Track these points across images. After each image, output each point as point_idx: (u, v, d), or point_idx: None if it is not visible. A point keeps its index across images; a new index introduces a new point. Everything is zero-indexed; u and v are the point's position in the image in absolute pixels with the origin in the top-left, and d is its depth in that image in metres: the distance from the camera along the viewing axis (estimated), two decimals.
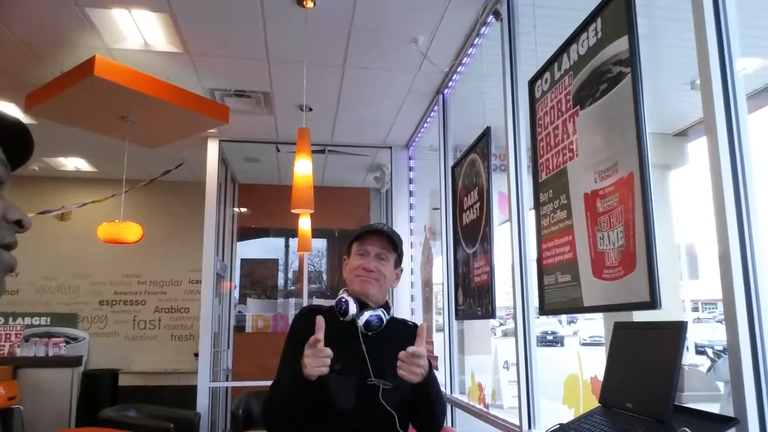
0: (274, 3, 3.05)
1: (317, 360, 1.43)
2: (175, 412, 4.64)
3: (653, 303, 1.57)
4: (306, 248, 4.61)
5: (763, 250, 1.36)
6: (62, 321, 6.75)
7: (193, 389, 5.13)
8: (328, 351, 1.43)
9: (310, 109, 4.69)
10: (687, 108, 4.57)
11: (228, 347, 6.49)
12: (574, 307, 2.06)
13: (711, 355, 5.03)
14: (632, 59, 1.72)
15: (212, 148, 5.29)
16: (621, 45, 1.78)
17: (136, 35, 3.36)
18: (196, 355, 6.73)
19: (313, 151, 5.65)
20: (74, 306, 6.87)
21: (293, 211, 3.02)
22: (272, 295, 7.45)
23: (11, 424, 5.22)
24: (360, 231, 1.75)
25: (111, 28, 3.28)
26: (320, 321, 1.46)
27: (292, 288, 7.53)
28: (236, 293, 7.06)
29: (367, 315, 1.63)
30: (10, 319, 6.61)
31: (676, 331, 1.19)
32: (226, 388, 6.10)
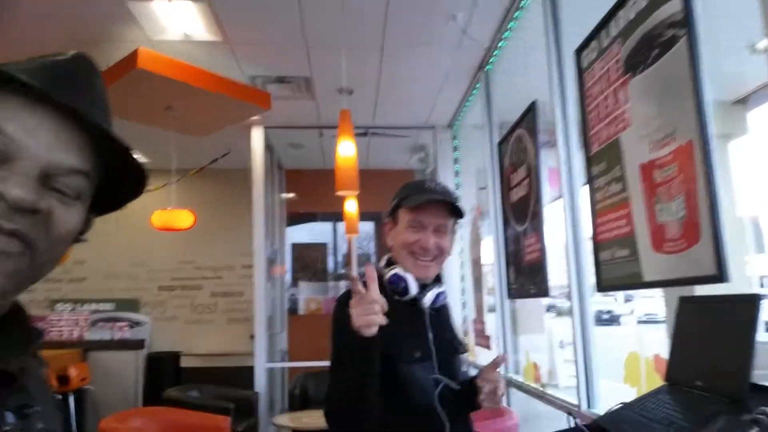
0: None
1: (365, 307, 1.13)
2: (235, 392, 4.80)
3: (721, 276, 1.49)
4: (353, 231, 4.64)
5: None
6: (125, 306, 7.04)
7: (249, 370, 5.29)
8: (377, 297, 1.15)
9: (351, 92, 4.66)
10: (746, 73, 4.30)
11: (282, 329, 6.64)
12: (633, 282, 1.98)
13: None
14: (687, 19, 1.62)
15: (257, 135, 5.35)
16: (674, 5, 1.67)
17: (177, 26, 3.41)
18: (252, 337, 6.96)
19: (356, 134, 5.67)
20: (135, 292, 7.15)
21: (338, 193, 3.03)
22: (323, 278, 7.56)
23: (85, 404, 5.53)
24: (412, 195, 1.45)
25: (152, 20, 3.34)
26: (371, 271, 1.18)
27: (342, 271, 7.61)
28: (288, 277, 7.18)
29: (432, 294, 1.43)
30: (78, 305, 6.95)
31: (750, 304, 1.12)
32: (282, 368, 6.25)
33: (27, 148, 0.53)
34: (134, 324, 6.86)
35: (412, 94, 4.71)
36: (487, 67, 4.02)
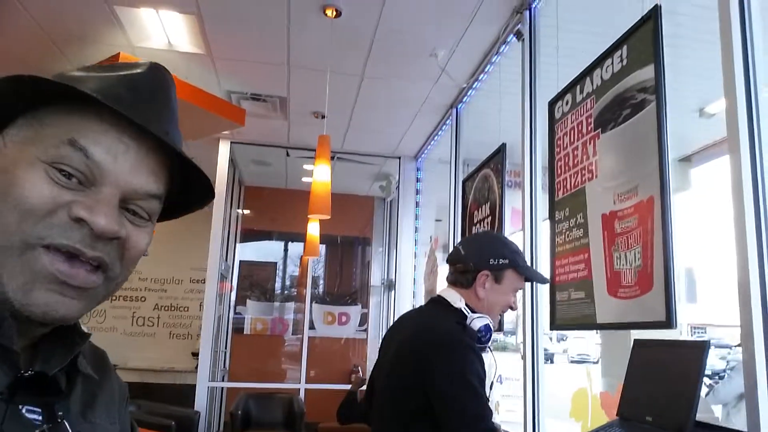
0: (300, 10, 3.12)
1: None
2: (175, 410, 4.66)
3: (669, 323, 1.63)
4: (313, 253, 4.66)
5: None
6: None
7: (188, 388, 5.15)
8: None
9: (323, 116, 4.76)
10: (693, 134, 4.66)
11: (226, 348, 6.51)
12: (586, 323, 2.11)
13: (709, 380, 5.08)
14: (657, 87, 1.79)
15: (223, 149, 5.34)
16: (647, 73, 1.84)
17: (161, 35, 3.42)
18: (194, 354, 6.77)
19: None
20: None
21: (310, 216, 3.08)
22: (271, 298, 7.49)
23: None
24: (525, 264, 1.60)
25: (137, 26, 3.35)
26: None
27: (292, 292, 7.56)
28: (232, 295, 7.08)
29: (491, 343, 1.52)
30: None
31: (699, 350, 1.25)
32: (222, 388, 6.12)
33: (111, 174, 0.52)
34: None
35: (383, 123, 4.83)
36: (459, 105, 4.19)
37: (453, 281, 1.57)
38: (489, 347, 1.50)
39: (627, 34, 1.99)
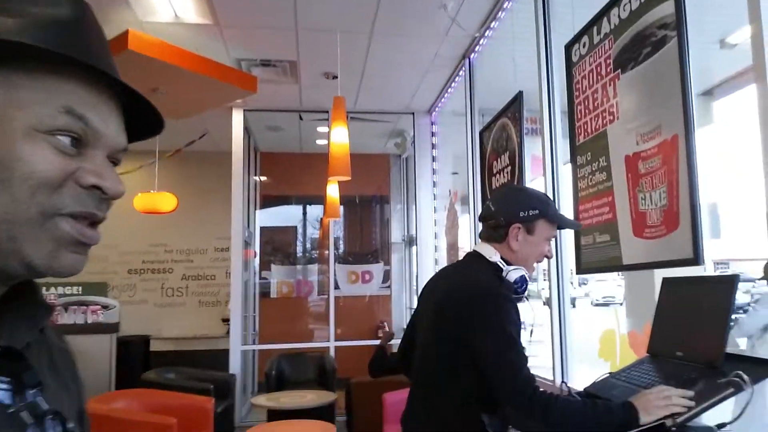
0: None
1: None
2: (211, 374, 4.84)
3: (697, 259, 1.64)
4: (334, 214, 4.71)
5: None
6: (93, 290, 6.93)
7: (221, 353, 5.32)
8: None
9: (335, 77, 4.72)
10: (714, 66, 4.54)
11: (254, 312, 6.68)
12: (613, 265, 2.13)
13: (733, 314, 5.08)
14: (678, 22, 1.75)
15: (237, 118, 5.35)
16: (666, 8, 1.80)
17: (167, 8, 3.40)
18: (224, 320, 6.96)
19: None
20: (104, 275, 7.06)
21: (331, 178, 3.10)
22: (294, 261, 7.61)
23: None
24: (556, 213, 1.61)
25: (143, 1, 3.32)
26: None
27: (313, 254, 7.67)
28: (256, 260, 7.22)
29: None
30: (44, 289, 6.81)
31: (729, 284, 1.27)
32: (253, 351, 6.31)
33: (104, 137, 0.53)
34: (103, 308, 6.79)
35: (395, 80, 4.78)
36: (472, 55, 4.12)
37: (486, 237, 1.60)
38: (526, 297, 1.53)
39: None
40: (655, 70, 1.86)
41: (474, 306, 1.42)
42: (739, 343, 4.51)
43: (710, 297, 1.36)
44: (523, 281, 1.50)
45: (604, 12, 2.19)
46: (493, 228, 1.59)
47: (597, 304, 22.80)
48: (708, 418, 1.22)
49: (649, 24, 1.89)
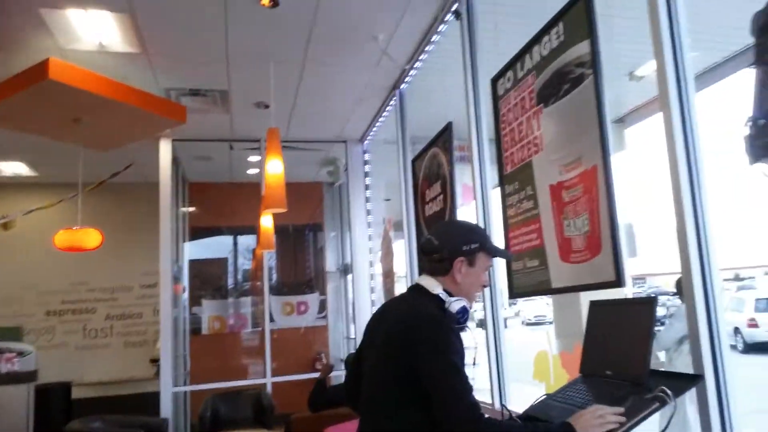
0: (237, 2, 3.07)
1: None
2: (141, 420, 4.58)
3: (619, 281, 1.75)
4: (268, 246, 4.64)
5: (713, 220, 1.55)
6: (6, 335, 6.44)
7: (151, 396, 5.05)
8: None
9: (267, 106, 4.71)
10: (624, 97, 4.91)
11: (185, 350, 6.42)
12: (543, 289, 2.23)
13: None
14: (594, 61, 1.89)
15: (165, 148, 5.20)
16: (583, 48, 1.94)
17: (92, 36, 3.29)
18: (153, 361, 6.63)
19: (266, 148, 5.69)
20: (19, 318, 6.58)
21: (266, 211, 3.07)
22: (225, 294, 7.41)
23: None
24: (491, 244, 1.69)
25: (65, 28, 3.20)
26: None
27: (245, 286, 7.49)
28: (185, 296, 6.96)
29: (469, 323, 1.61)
30: None
31: (648, 305, 1.37)
32: (185, 392, 6.04)
33: None
34: (17, 354, 6.30)
35: (327, 109, 4.83)
36: (402, 86, 4.24)
37: (430, 270, 1.65)
38: (467, 327, 1.58)
39: (562, 11, 2.09)
40: (574, 105, 2.00)
41: (419, 337, 1.46)
42: (659, 356, 4.79)
43: (632, 318, 1.45)
44: (464, 312, 1.56)
45: (527, 49, 2.33)
46: (438, 261, 1.64)
47: (529, 324, 23.52)
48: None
49: (567, 62, 2.03)
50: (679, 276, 1.81)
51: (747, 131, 1.55)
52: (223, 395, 5.15)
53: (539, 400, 1.63)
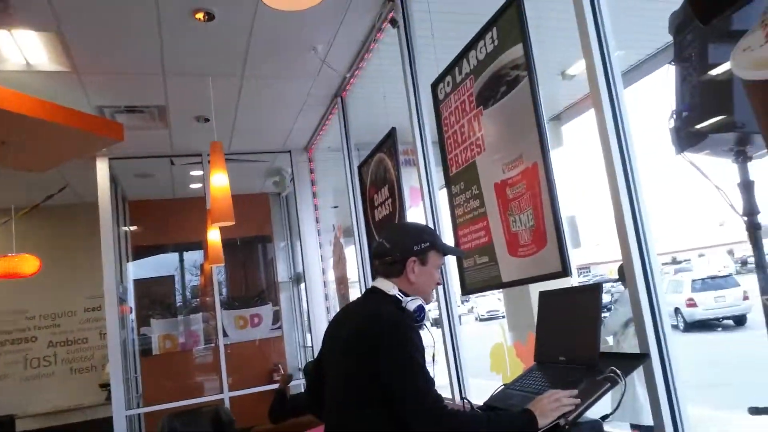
0: (170, 17, 3.02)
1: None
2: None
3: (565, 272, 1.84)
4: (217, 260, 4.56)
5: (649, 209, 1.66)
6: None
7: (102, 422, 4.88)
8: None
9: (207, 120, 4.64)
10: (558, 95, 5.11)
11: (136, 372, 6.21)
12: (493, 284, 2.31)
13: None
14: (528, 64, 1.98)
15: (102, 167, 5.03)
16: (517, 51, 2.03)
17: (18, 55, 3.16)
18: (102, 386, 6.38)
19: (209, 162, 5.59)
20: None
21: (214, 225, 3.03)
22: (175, 313, 7.21)
23: None
24: (440, 242, 1.74)
25: None
26: None
27: (194, 302, 7.32)
28: (132, 316, 6.74)
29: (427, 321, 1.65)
30: None
31: (594, 292, 1.45)
32: (139, 414, 5.84)
33: None
34: None
35: (270, 119, 4.80)
36: (343, 93, 4.27)
37: (384, 272, 1.69)
38: (425, 324, 1.63)
39: (495, 17, 2.17)
40: (511, 106, 2.09)
41: (379, 338, 1.49)
42: (608, 341, 5.00)
43: (581, 305, 1.54)
44: (421, 310, 1.61)
45: (463, 54, 2.41)
46: (390, 264, 1.68)
47: (482, 319, 23.99)
48: (593, 413, 1.38)
49: (503, 65, 2.12)
50: (620, 263, 1.92)
51: (672, 123, 1.67)
52: (180, 414, 5.00)
53: (498, 390, 1.69)
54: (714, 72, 1.55)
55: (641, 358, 1.47)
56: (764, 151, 1.58)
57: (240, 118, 4.67)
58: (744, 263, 24.84)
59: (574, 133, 5.69)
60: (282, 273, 7.24)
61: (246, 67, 3.76)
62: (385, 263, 1.68)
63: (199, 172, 5.88)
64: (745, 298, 13.11)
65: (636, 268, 1.61)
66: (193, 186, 6.39)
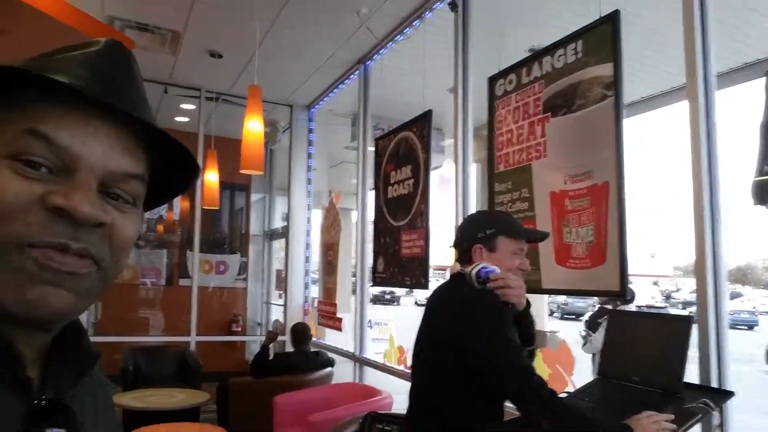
0: None
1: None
2: None
3: (623, 293, 1.93)
4: (213, 203, 4.45)
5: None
6: None
7: None
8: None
9: (221, 56, 4.46)
10: None
11: None
12: (532, 288, 2.37)
13: (583, 332, 5.57)
14: (616, 84, 2.01)
15: None
16: (605, 69, 2.06)
17: None
18: None
19: (205, 99, 5.37)
20: None
21: (242, 171, 2.95)
22: (137, 244, 6.97)
23: None
24: (513, 227, 1.72)
25: None
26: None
27: (165, 237, 7.10)
28: None
29: None
30: None
31: (685, 322, 1.54)
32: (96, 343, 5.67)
33: (84, 159, 0.49)
34: None
35: (283, 71, 4.64)
36: (368, 62, 4.18)
37: (459, 260, 1.74)
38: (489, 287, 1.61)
39: (583, 30, 2.18)
40: (588, 121, 2.12)
41: (466, 319, 1.54)
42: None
43: (668, 332, 1.61)
44: (482, 272, 1.59)
45: (536, 57, 2.41)
46: (461, 252, 1.73)
47: (420, 304, 24.35)
48: None
49: (585, 79, 2.14)
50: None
51: (756, 177, 1.76)
52: (143, 349, 4.91)
53: (562, 395, 1.76)
54: None
55: (727, 394, 1.56)
56: None
57: (253, 63, 4.49)
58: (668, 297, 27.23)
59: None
60: (255, 226, 7.12)
61: (281, 14, 3.62)
62: (459, 252, 1.75)
63: (191, 107, 5.67)
64: None
65: (709, 311, 1.71)
66: (178, 119, 6.15)
